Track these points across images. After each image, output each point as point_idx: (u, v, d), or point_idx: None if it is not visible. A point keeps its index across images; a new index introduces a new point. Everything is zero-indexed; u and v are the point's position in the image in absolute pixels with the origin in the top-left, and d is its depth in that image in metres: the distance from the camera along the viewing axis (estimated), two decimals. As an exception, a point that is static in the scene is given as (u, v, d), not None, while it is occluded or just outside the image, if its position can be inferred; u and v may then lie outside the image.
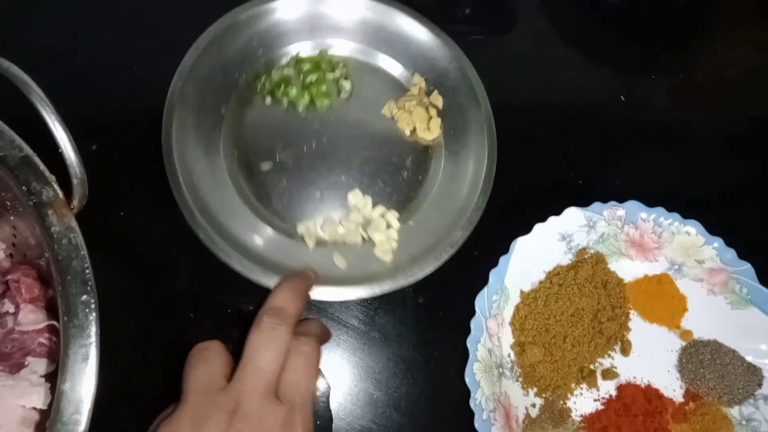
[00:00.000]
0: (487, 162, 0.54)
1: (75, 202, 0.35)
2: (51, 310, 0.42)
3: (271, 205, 0.53)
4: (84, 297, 0.33)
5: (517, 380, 0.50)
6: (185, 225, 0.48)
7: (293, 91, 0.56)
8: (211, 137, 0.53)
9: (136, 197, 0.53)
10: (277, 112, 0.57)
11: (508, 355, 0.51)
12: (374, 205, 0.54)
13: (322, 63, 0.58)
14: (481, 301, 0.49)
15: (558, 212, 0.53)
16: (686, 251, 0.54)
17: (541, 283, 0.53)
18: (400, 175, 0.56)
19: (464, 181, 0.55)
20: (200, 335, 0.40)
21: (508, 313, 0.52)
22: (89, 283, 0.33)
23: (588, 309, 0.52)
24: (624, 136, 0.64)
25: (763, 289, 0.53)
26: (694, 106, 0.69)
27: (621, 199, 0.54)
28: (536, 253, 0.53)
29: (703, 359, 0.53)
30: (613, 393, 0.52)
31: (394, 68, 0.60)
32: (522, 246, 0.52)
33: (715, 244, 0.54)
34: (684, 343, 0.54)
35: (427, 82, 0.59)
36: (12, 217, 0.41)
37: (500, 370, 0.49)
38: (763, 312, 0.53)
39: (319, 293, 0.48)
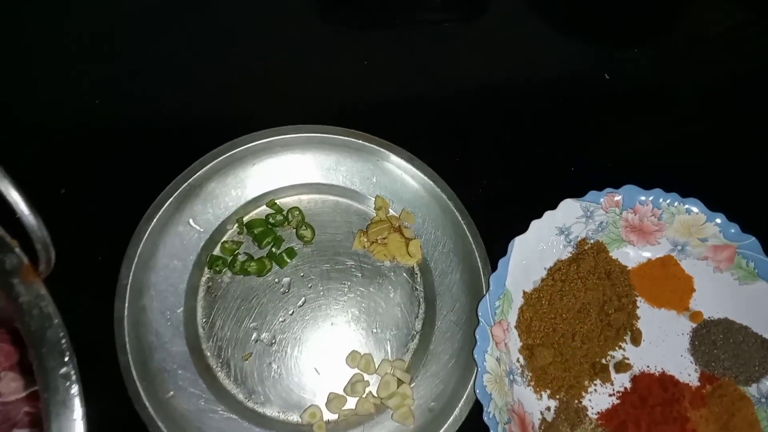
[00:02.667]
0: (480, 260, 0.50)
1: (42, 267, 0.33)
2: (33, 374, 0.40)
3: (265, 400, 0.47)
4: (63, 370, 0.31)
5: (528, 385, 0.49)
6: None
7: (252, 265, 0.50)
8: (172, 350, 0.46)
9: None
10: (239, 287, 0.50)
11: (518, 360, 0.49)
12: (376, 361, 0.49)
13: (272, 219, 0.52)
14: (484, 308, 0.47)
15: (553, 205, 0.51)
16: (688, 230, 0.53)
17: (543, 280, 0.51)
18: (393, 315, 0.50)
19: (464, 294, 0.50)
20: None
21: (512, 316, 0.50)
22: (67, 354, 0.31)
23: (594, 302, 0.51)
24: (612, 114, 0.62)
25: (770, 261, 0.51)
26: (679, 71, 0.67)
27: (616, 184, 0.52)
28: (535, 251, 0.51)
29: (715, 340, 0.51)
30: (628, 385, 0.50)
31: (351, 196, 0.53)
32: (520, 245, 0.50)
33: (718, 220, 0.52)
34: (695, 325, 0.52)
35: (391, 202, 0.53)
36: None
37: (511, 377, 0.48)
38: (773, 285, 0.51)
39: None
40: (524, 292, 0.51)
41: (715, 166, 0.60)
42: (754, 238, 0.52)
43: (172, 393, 0.44)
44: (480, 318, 0.47)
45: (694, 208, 0.52)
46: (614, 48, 0.66)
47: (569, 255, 0.53)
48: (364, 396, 0.48)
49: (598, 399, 0.50)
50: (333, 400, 0.47)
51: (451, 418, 0.46)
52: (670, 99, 0.65)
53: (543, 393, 0.49)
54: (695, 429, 0.48)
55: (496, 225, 0.52)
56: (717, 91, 0.65)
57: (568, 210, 0.51)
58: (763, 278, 0.51)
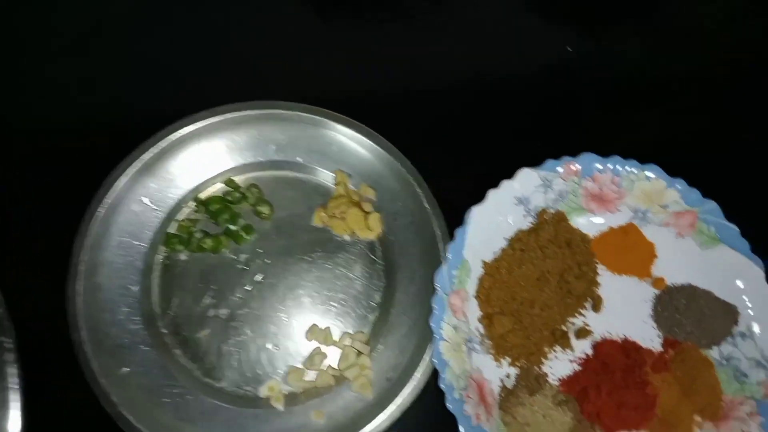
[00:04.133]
0: (438, 231, 0.50)
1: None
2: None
3: (222, 376, 0.47)
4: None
5: (488, 352, 0.49)
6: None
7: (209, 242, 0.50)
8: (128, 327, 0.46)
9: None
10: (197, 265, 0.50)
11: (476, 329, 0.49)
12: (336, 334, 0.49)
13: (230, 196, 0.51)
14: (441, 277, 0.47)
15: (510, 175, 0.51)
16: (649, 197, 0.52)
17: (503, 251, 0.51)
18: (353, 289, 0.51)
19: (424, 265, 0.50)
20: None
21: (471, 286, 0.50)
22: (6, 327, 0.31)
23: (553, 270, 0.51)
24: (578, 92, 0.62)
25: (731, 225, 0.51)
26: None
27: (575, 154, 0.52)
28: (494, 221, 0.51)
29: (678, 305, 0.51)
30: (590, 352, 0.50)
31: (311, 172, 0.53)
32: (478, 215, 0.50)
33: (678, 186, 0.52)
34: (657, 292, 0.52)
35: (350, 176, 0.53)
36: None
37: (469, 345, 0.48)
38: (734, 248, 0.51)
39: None
40: (484, 262, 0.51)
41: (675, 137, 0.60)
42: (714, 203, 0.52)
43: (127, 369, 0.44)
44: (437, 287, 0.47)
45: (654, 175, 0.52)
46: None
47: (529, 225, 0.52)
48: (323, 369, 0.48)
49: (560, 366, 0.50)
50: (292, 374, 0.47)
51: (409, 386, 0.46)
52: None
53: (503, 360, 0.49)
54: (657, 393, 0.48)
55: (456, 196, 0.51)
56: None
57: (526, 179, 0.51)
58: (725, 243, 0.51)
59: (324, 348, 0.49)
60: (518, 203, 0.52)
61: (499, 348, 0.49)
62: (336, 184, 0.53)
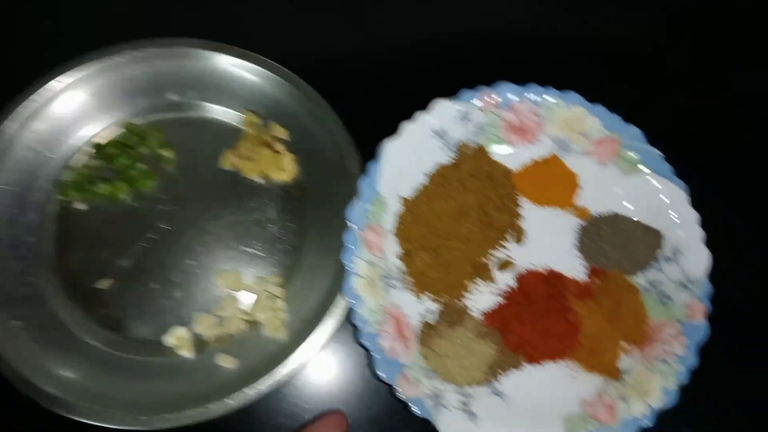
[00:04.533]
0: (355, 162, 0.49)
1: None
2: None
3: (127, 329, 0.45)
4: None
5: (408, 288, 0.48)
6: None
7: (104, 187, 0.47)
8: (24, 279, 0.44)
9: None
10: (96, 215, 0.47)
11: (395, 265, 0.48)
12: (248, 279, 0.48)
13: (129, 140, 0.49)
14: (353, 212, 0.46)
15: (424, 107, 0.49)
16: (569, 126, 0.51)
17: (423, 186, 0.50)
18: (267, 232, 0.49)
19: (340, 205, 0.47)
20: None
21: (389, 222, 0.48)
22: None
23: (474, 204, 0.49)
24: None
25: (653, 150, 0.50)
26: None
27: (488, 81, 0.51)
28: (411, 155, 0.49)
29: (602, 234, 0.50)
30: (513, 284, 0.49)
31: (217, 113, 0.51)
32: (392, 149, 0.48)
33: (598, 112, 0.51)
34: (581, 222, 0.52)
35: (260, 117, 0.51)
36: None
37: (387, 281, 0.47)
38: (656, 173, 0.50)
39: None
40: (402, 198, 0.49)
41: (592, 55, 0.59)
42: (636, 129, 0.51)
43: (19, 323, 0.42)
44: (349, 222, 0.45)
45: (573, 102, 0.51)
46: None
47: (450, 159, 0.51)
48: (234, 314, 0.46)
49: (483, 299, 0.49)
50: (201, 321, 0.46)
51: (324, 325, 0.45)
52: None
53: (423, 296, 0.48)
54: (580, 320, 0.48)
55: (374, 133, 0.50)
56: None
57: (442, 111, 0.50)
58: (647, 167, 0.51)
59: (235, 293, 0.47)
60: (436, 136, 0.50)
61: (420, 283, 0.47)
62: (245, 125, 0.50)
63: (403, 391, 0.42)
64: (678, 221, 0.50)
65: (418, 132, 0.49)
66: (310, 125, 0.50)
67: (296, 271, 0.48)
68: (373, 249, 0.46)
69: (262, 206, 0.49)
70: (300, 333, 0.45)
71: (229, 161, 0.50)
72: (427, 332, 0.46)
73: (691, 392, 0.45)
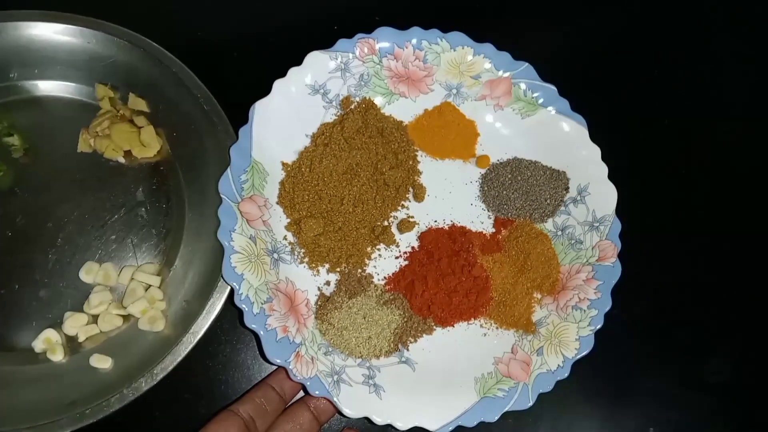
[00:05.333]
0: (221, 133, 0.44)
1: None
2: None
3: None
4: None
5: (302, 262, 0.43)
6: None
7: None
8: None
9: None
10: None
11: (284, 238, 0.43)
12: (119, 270, 0.43)
13: None
14: (226, 184, 0.41)
15: (299, 61, 0.45)
16: (458, 69, 0.48)
17: (306, 148, 0.46)
18: (137, 216, 0.44)
19: (213, 177, 0.43)
20: None
21: (271, 192, 0.44)
22: None
23: (364, 162, 0.46)
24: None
25: (548, 85, 0.48)
26: None
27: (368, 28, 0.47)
28: (290, 116, 0.45)
29: (504, 181, 0.47)
30: (416, 244, 0.46)
31: (68, 90, 0.46)
32: (265, 111, 0.44)
33: (486, 51, 0.48)
34: (483, 171, 0.48)
35: (115, 89, 0.46)
36: None
37: (274, 256, 0.42)
38: (554, 110, 0.47)
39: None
40: (284, 164, 0.45)
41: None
42: (527, 64, 0.48)
43: None
44: (222, 195, 0.41)
45: (458, 42, 0.47)
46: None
47: (334, 117, 0.47)
48: (107, 310, 0.41)
49: (386, 264, 0.45)
50: (70, 320, 0.41)
51: (205, 309, 0.40)
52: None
53: (321, 268, 0.44)
54: (487, 275, 0.45)
55: (245, 96, 0.45)
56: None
57: (317, 64, 0.45)
58: (544, 105, 0.48)
59: (106, 287, 0.42)
60: (314, 92, 0.46)
61: (314, 255, 0.43)
62: (100, 99, 0.45)
63: (298, 372, 0.38)
64: (581, 157, 0.47)
65: (294, 89, 0.45)
66: (172, 93, 0.45)
67: (173, 256, 0.43)
68: (253, 222, 0.42)
69: (128, 189, 0.44)
70: (182, 322, 0.40)
71: (86, 142, 0.44)
72: (323, 305, 0.42)
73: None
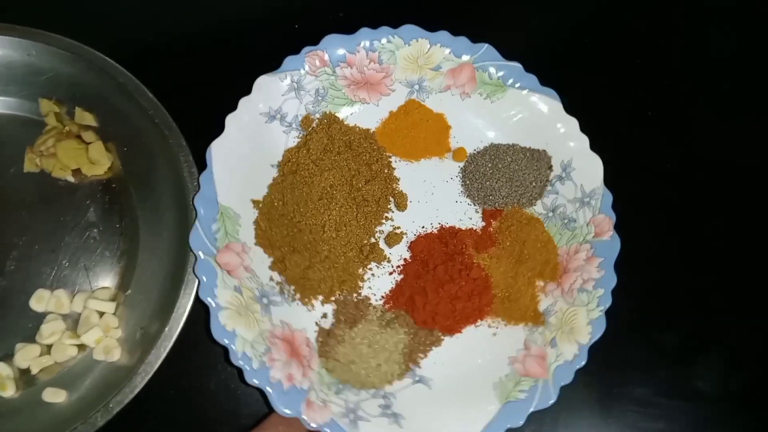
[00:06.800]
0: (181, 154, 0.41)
1: None
2: None
3: None
4: None
5: (293, 299, 0.41)
6: None
7: None
8: None
9: None
10: None
11: (271, 279, 0.41)
12: (71, 296, 0.41)
13: None
14: (197, 239, 0.39)
15: (247, 91, 0.42)
16: (417, 64, 0.45)
17: (274, 180, 0.43)
18: (88, 239, 0.42)
19: (168, 193, 0.42)
20: None
21: (247, 234, 0.41)
22: None
23: (338, 182, 0.43)
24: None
25: (512, 63, 0.45)
26: None
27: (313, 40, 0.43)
28: (251, 150, 0.42)
29: (484, 171, 0.45)
30: (408, 256, 0.44)
31: (9, 106, 0.43)
32: (223, 150, 0.41)
33: (442, 39, 0.45)
34: (461, 164, 0.46)
35: (60, 103, 0.43)
36: None
37: (264, 301, 0.40)
38: (523, 88, 0.45)
39: None
40: (254, 202, 0.42)
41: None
42: (487, 45, 0.45)
43: None
44: (196, 252, 0.38)
45: (412, 36, 0.45)
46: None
47: (297, 140, 0.44)
48: (58, 340, 0.40)
49: (380, 283, 0.43)
50: (21, 352, 0.39)
51: (163, 334, 0.38)
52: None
53: (315, 302, 0.42)
54: (486, 274, 0.43)
55: (199, 108, 0.42)
56: None
57: (268, 88, 0.43)
58: (511, 85, 0.45)
59: (59, 315, 0.41)
60: (270, 119, 0.43)
61: (305, 289, 0.41)
62: (44, 115, 0.43)
63: (312, 420, 0.37)
64: (559, 133, 0.45)
65: (248, 120, 0.42)
66: (120, 106, 0.42)
67: (128, 279, 0.41)
68: (234, 271, 0.40)
69: (79, 209, 0.42)
70: (140, 349, 0.39)
71: (32, 162, 0.42)
72: (325, 341, 0.40)
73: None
